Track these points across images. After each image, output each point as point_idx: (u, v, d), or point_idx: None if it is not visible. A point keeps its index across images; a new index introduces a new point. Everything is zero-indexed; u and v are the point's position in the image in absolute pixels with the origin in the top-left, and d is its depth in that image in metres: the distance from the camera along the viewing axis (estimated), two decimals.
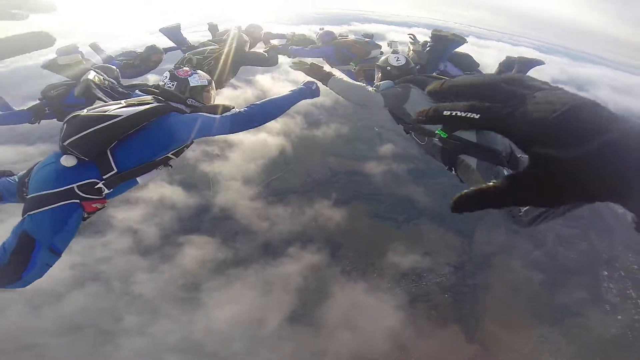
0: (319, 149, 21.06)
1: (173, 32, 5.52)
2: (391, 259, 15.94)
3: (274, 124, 22.98)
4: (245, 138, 22.32)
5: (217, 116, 2.41)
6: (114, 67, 4.38)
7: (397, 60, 3.42)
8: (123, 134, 2.10)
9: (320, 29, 5.85)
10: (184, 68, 2.69)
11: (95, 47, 5.29)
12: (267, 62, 4.84)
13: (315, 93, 2.80)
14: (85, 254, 12.93)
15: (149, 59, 5.19)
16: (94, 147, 2.06)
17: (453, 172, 2.73)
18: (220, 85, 4.29)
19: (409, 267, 15.60)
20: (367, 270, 15.58)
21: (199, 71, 2.73)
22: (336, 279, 15.61)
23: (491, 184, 0.48)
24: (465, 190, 0.49)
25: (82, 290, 11.87)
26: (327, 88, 3.05)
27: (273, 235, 17.62)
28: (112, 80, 3.09)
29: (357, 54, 5.14)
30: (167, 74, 2.66)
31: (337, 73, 3.30)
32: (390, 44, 5.13)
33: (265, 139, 23.09)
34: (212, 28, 5.92)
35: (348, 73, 5.00)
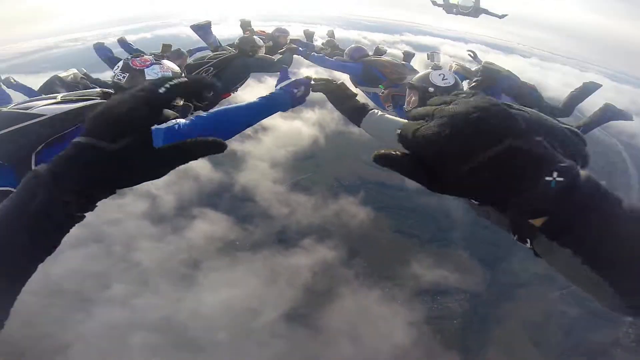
0: (351, 151, 19.45)
1: (203, 30, 5.14)
2: (411, 272, 14.53)
3: (311, 114, 22.02)
4: (281, 123, 21.64)
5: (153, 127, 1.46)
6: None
7: (443, 79, 2.67)
8: (48, 137, 1.64)
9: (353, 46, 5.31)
10: (144, 56, 2.22)
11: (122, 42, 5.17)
12: (273, 67, 4.33)
13: (298, 101, 1.97)
14: (96, 213, 12.75)
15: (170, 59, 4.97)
16: (11, 151, 1.61)
17: (527, 245, 1.39)
18: (227, 91, 4.15)
19: (425, 286, 14.16)
20: (383, 279, 13.95)
21: (164, 61, 2.24)
22: (348, 282, 14.27)
23: (398, 152, 0.55)
24: (382, 150, 0.56)
25: (81, 251, 11.71)
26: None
27: (290, 224, 16.76)
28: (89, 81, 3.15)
29: (388, 77, 4.51)
30: (120, 63, 2.21)
31: (360, 94, 3.13)
32: (430, 56, 4.63)
33: (299, 128, 22.16)
34: (245, 24, 5.79)
35: (373, 97, 4.66)
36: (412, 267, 14.64)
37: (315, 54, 5.09)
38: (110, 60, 4.58)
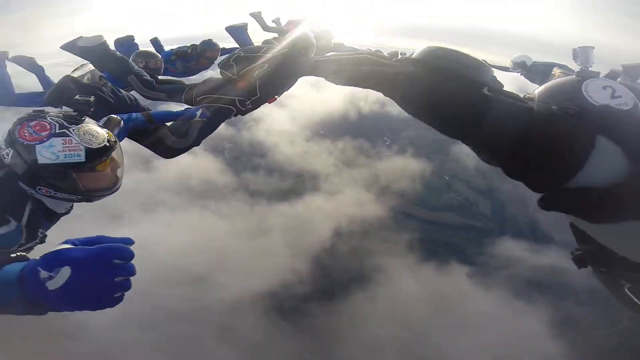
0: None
1: (239, 32, 4.75)
2: None
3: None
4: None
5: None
6: (158, 55, 4.08)
7: (615, 99, 1.57)
8: None
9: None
10: (39, 121, 1.40)
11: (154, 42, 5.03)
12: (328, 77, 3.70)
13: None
14: None
15: (202, 54, 4.72)
16: None
17: None
18: (273, 95, 3.50)
19: None
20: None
21: (72, 129, 1.42)
22: None
23: None
24: None
25: None
26: None
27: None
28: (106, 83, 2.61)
29: None
30: (5, 131, 1.45)
31: None
32: (578, 53, 3.40)
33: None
34: (257, 16, 5.17)
35: None
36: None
37: None
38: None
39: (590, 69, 2.58)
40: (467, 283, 13.94)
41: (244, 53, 3.39)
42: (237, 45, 4.75)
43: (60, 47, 3.12)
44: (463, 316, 12.45)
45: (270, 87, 3.26)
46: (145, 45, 4.69)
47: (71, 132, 1.38)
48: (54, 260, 0.72)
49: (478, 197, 16.93)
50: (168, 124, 2.67)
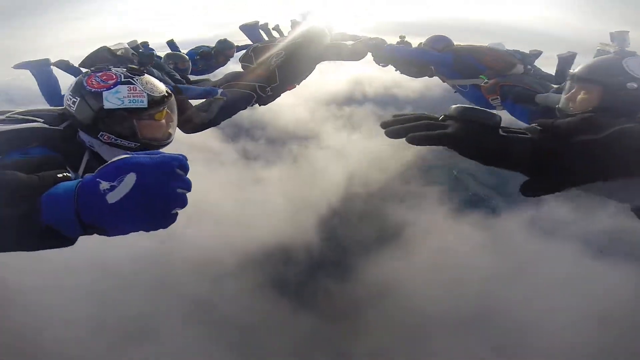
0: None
1: (252, 30, 5.21)
2: None
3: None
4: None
5: None
6: (186, 57, 4.59)
7: None
8: None
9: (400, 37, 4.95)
10: (110, 71, 1.52)
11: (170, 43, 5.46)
12: (353, 55, 4.15)
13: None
14: None
15: (221, 52, 5.23)
16: None
17: None
18: (292, 82, 3.82)
19: None
20: None
21: (139, 78, 1.53)
22: None
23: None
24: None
25: None
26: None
27: None
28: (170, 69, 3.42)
29: (491, 67, 3.85)
30: (73, 82, 1.54)
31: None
32: (617, 36, 3.31)
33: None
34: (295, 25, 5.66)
35: (470, 90, 4.00)
36: None
37: (394, 45, 4.46)
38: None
39: (626, 47, 2.91)
40: (526, 230, 10.12)
41: (261, 44, 3.77)
42: (250, 43, 5.08)
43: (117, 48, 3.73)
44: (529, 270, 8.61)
45: (290, 74, 3.57)
46: (161, 47, 5.13)
47: (135, 81, 1.51)
48: (117, 169, 0.66)
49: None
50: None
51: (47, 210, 0.66)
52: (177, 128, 2.55)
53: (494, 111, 1.19)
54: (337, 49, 4.15)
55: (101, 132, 1.47)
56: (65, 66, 3.88)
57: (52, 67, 3.69)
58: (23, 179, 0.75)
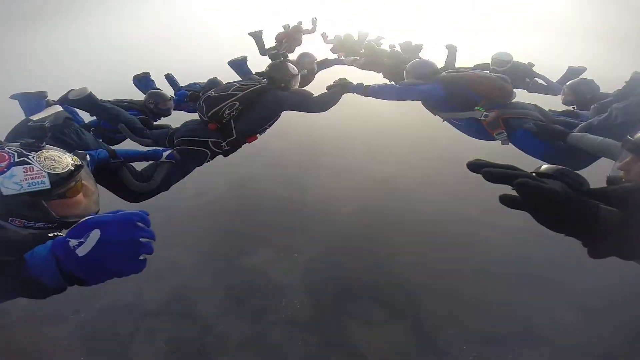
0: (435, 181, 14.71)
1: (240, 65, 5.27)
2: None
3: None
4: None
5: None
6: (168, 96, 4.44)
7: None
8: None
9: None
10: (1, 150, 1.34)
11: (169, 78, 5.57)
12: (315, 106, 3.54)
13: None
14: None
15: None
16: None
17: None
18: (253, 134, 3.40)
19: None
20: None
21: (32, 157, 1.38)
22: None
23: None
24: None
25: None
26: None
27: None
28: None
29: (487, 97, 3.48)
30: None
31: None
32: None
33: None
34: (256, 36, 6.41)
35: (466, 124, 3.63)
36: None
37: (375, 86, 3.88)
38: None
39: None
40: None
41: (214, 93, 3.29)
42: (240, 79, 5.08)
43: (55, 102, 3.27)
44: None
45: (247, 126, 3.24)
46: (160, 81, 5.18)
47: (31, 160, 1.35)
48: (82, 228, 0.78)
49: None
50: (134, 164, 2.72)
51: (31, 262, 0.76)
52: (120, 197, 2.58)
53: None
54: (305, 97, 3.57)
55: (11, 218, 1.35)
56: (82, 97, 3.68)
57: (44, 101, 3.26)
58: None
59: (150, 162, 2.83)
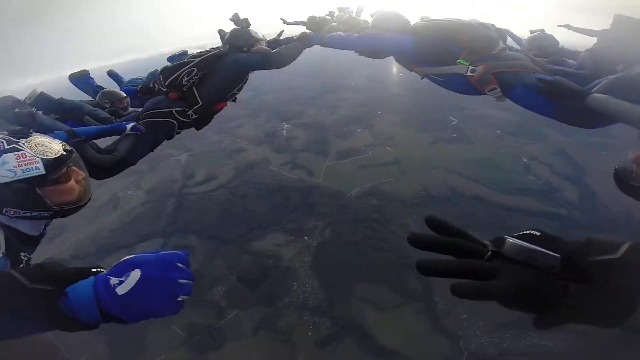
0: (445, 163, 14.12)
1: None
2: None
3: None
4: None
5: None
6: (123, 94, 4.06)
7: None
8: None
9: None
10: None
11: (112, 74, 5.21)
12: (272, 62, 3.42)
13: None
14: None
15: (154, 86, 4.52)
16: None
17: None
18: (221, 99, 3.36)
19: None
20: None
21: (22, 143, 1.33)
22: None
23: None
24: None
25: None
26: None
27: None
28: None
29: (469, 48, 3.02)
30: None
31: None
32: None
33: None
34: (236, 19, 4.62)
35: (450, 78, 3.17)
36: None
37: (335, 34, 3.62)
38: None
39: None
40: None
41: (172, 64, 3.21)
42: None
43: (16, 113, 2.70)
44: None
45: (212, 91, 3.19)
46: (100, 77, 4.85)
47: (22, 146, 1.31)
48: (123, 267, 0.78)
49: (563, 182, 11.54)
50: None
51: (73, 296, 0.74)
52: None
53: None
54: (267, 54, 3.44)
55: (5, 209, 1.30)
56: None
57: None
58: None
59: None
